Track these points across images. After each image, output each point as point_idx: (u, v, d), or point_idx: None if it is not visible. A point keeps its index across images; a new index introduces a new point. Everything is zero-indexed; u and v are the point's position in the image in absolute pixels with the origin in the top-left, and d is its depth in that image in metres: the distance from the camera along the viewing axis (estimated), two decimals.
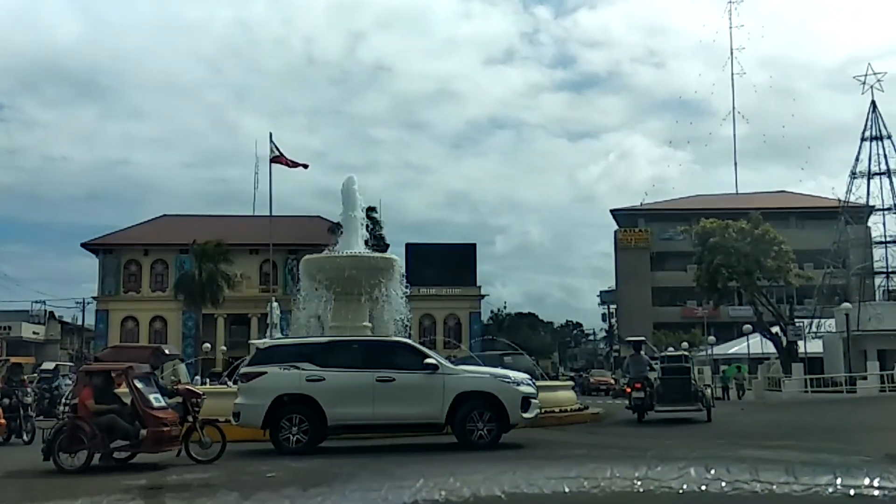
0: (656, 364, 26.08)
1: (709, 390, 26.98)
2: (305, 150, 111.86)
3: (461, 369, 16.51)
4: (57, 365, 34.64)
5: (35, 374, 39.82)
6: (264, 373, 15.24)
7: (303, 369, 15.12)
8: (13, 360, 25.48)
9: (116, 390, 14.22)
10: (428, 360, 15.37)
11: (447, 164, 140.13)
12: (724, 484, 1.75)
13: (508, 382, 15.67)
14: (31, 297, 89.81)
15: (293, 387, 15.06)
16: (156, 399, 13.75)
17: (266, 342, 16.48)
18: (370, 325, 20.94)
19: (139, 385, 13.67)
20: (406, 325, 21.65)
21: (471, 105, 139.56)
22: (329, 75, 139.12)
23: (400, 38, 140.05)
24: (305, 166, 36.22)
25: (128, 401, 13.79)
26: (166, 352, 16.17)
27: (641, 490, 1.79)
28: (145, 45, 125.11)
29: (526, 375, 16.81)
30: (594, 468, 1.88)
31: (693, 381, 24.34)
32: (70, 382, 34.95)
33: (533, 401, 15.66)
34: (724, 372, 42.02)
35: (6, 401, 18.87)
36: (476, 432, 14.96)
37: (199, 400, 14.53)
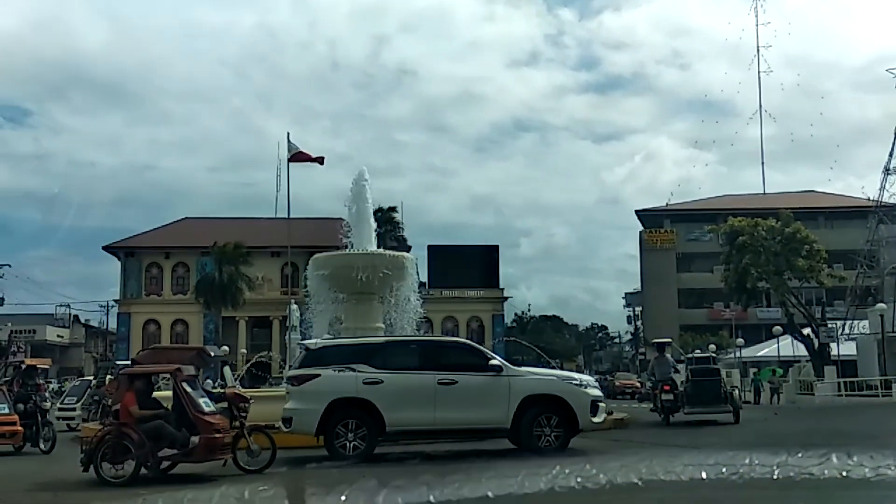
0: (681, 366, 25.74)
1: (736, 392, 26.41)
2: (330, 154, 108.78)
3: (526, 371, 15.78)
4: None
5: (45, 379, 39.58)
6: (318, 375, 14.29)
7: (359, 371, 14.23)
8: (28, 361, 24.30)
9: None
10: (493, 362, 14.59)
11: (471, 167, 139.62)
12: (867, 470, 1.86)
13: (576, 385, 14.96)
14: (56, 301, 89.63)
15: (349, 390, 14.18)
16: (205, 404, 12.81)
17: (317, 342, 15.32)
18: (383, 326, 20.21)
19: (188, 389, 12.73)
20: (420, 326, 20.80)
21: (494, 108, 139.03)
22: (353, 79, 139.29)
23: (423, 41, 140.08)
24: (321, 161, 35.61)
25: (168, 405, 12.91)
26: (211, 353, 14.89)
27: (779, 477, 1.87)
28: (171, 51, 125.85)
29: (592, 378, 16.09)
30: (732, 455, 2.03)
31: (722, 383, 24.15)
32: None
33: (601, 404, 14.95)
34: (758, 374, 40.86)
35: (21, 406, 17.55)
36: (543, 438, 14.20)
37: (246, 405, 13.47)
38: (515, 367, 15.34)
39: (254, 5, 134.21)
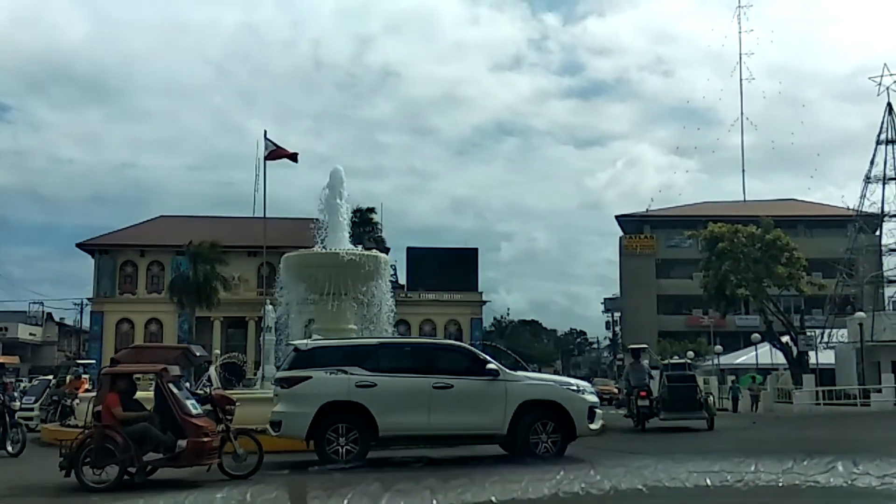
0: (656, 372, 25.82)
1: (710, 398, 26.54)
2: (311, 154, 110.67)
3: (523, 375, 15.36)
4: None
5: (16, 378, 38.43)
6: (309, 377, 13.74)
7: (351, 374, 13.73)
8: None
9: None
10: (489, 366, 14.11)
11: (453, 169, 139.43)
12: (873, 479, 1.85)
13: (574, 390, 14.56)
14: (30, 298, 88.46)
15: (342, 393, 13.65)
16: (192, 406, 12.13)
17: (308, 343, 14.81)
18: (355, 327, 19.65)
19: (174, 390, 12.05)
20: (394, 327, 20.24)
21: (477, 111, 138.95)
22: (336, 79, 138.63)
23: (408, 42, 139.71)
24: (295, 158, 34.95)
25: (149, 407, 12.23)
26: (196, 353, 14.05)
27: (785, 484, 1.89)
28: (152, 47, 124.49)
29: (587, 383, 15.71)
30: (738, 462, 2.01)
31: (698, 390, 24.40)
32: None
33: (598, 411, 14.60)
34: (738, 382, 40.59)
35: None
36: (540, 445, 13.82)
37: (232, 407, 12.82)
38: (512, 372, 14.91)
39: (238, 3, 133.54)
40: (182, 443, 11.59)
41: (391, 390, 13.73)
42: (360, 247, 21.48)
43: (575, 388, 14.73)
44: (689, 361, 31.27)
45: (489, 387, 13.88)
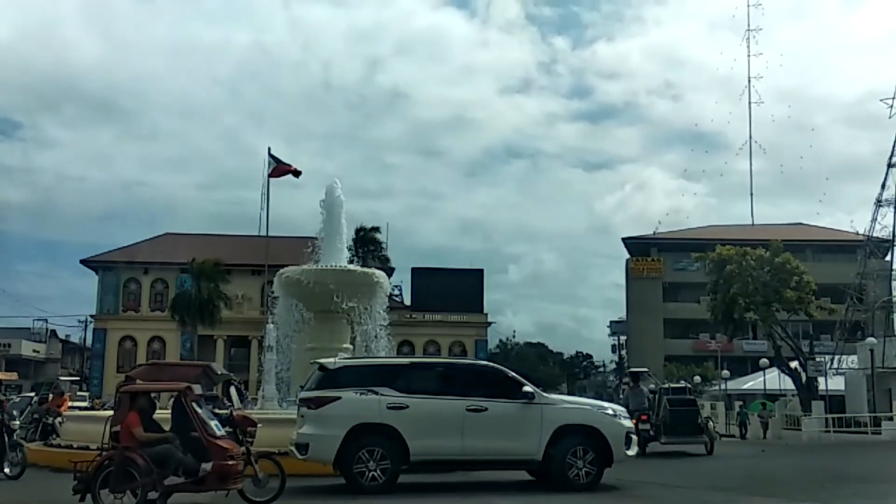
0: (654, 397, 25.76)
1: (710, 423, 26.65)
2: (321, 174, 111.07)
3: (559, 399, 14.84)
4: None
5: (18, 395, 37.85)
6: (338, 398, 13.11)
7: (382, 395, 13.16)
8: None
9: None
10: (525, 388, 13.57)
11: (462, 191, 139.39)
12: None
13: (611, 415, 14.06)
14: (34, 315, 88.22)
15: (372, 415, 13.05)
16: (216, 427, 11.48)
17: (336, 362, 14.14)
18: (351, 346, 19.12)
19: (198, 409, 11.41)
20: (397, 347, 19.68)
21: (486, 133, 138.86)
22: (346, 100, 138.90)
23: (417, 64, 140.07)
24: (298, 174, 34.69)
25: (167, 427, 11.57)
26: (217, 371, 13.24)
27: None
28: (164, 66, 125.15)
29: (621, 407, 15.22)
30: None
31: (699, 413, 24.77)
32: None
33: (633, 436, 14.07)
34: (746, 407, 39.88)
35: None
36: (575, 471, 13.28)
37: (254, 429, 12.19)
38: (548, 395, 14.32)
39: (249, 24, 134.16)
40: (206, 466, 10.96)
41: (423, 412, 13.17)
42: (356, 263, 21.03)
43: (611, 412, 14.26)
44: (688, 385, 31.07)
45: (525, 410, 13.38)
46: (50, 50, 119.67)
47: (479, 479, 14.52)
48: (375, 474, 12.79)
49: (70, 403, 42.82)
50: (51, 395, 29.24)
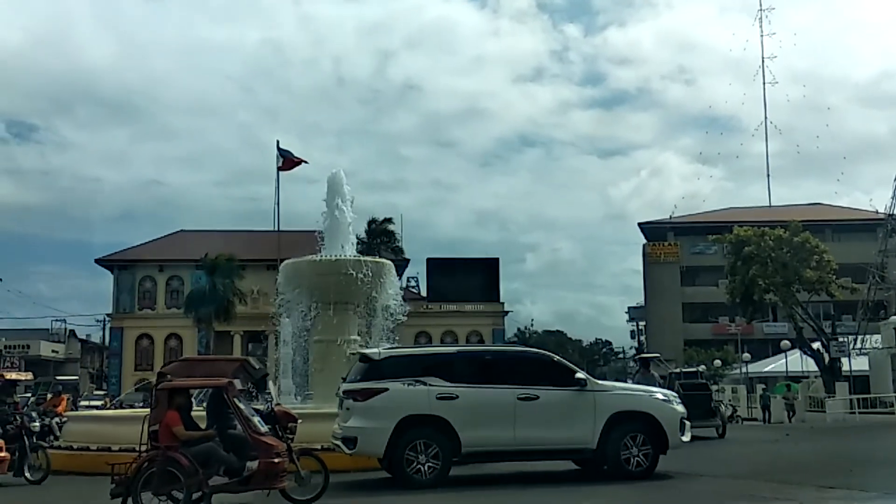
0: (665, 382, 25.77)
1: (721, 406, 27.48)
2: (335, 169, 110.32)
3: (611, 385, 14.47)
4: None
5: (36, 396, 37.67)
6: (385, 389, 12.63)
7: (431, 385, 12.73)
8: (6, 375, 21.86)
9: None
10: (578, 375, 13.19)
11: (476, 182, 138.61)
12: None
13: (664, 400, 13.69)
14: (52, 315, 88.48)
15: (422, 406, 12.62)
16: (260, 423, 10.97)
17: (381, 352, 13.68)
18: (359, 338, 18.67)
19: (241, 406, 10.88)
20: (396, 339, 19.10)
21: (500, 123, 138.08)
22: (358, 94, 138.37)
23: (429, 56, 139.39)
24: (299, 163, 34.34)
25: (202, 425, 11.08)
26: (255, 366, 12.64)
27: None
28: (177, 66, 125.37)
29: (672, 393, 14.80)
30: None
31: (712, 397, 25.59)
32: None
33: (687, 422, 13.66)
34: (769, 390, 39.21)
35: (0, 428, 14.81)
36: (632, 459, 12.88)
37: (294, 425, 11.52)
38: (600, 382, 14.00)
39: (259, 21, 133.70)
40: (252, 464, 10.46)
41: (474, 402, 12.72)
42: (374, 255, 20.58)
43: (664, 397, 13.95)
44: (699, 370, 30.92)
45: (577, 398, 12.97)
46: (63, 53, 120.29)
47: (520, 469, 14.08)
48: (426, 468, 12.37)
49: (84, 403, 42.59)
50: (49, 395, 28.98)
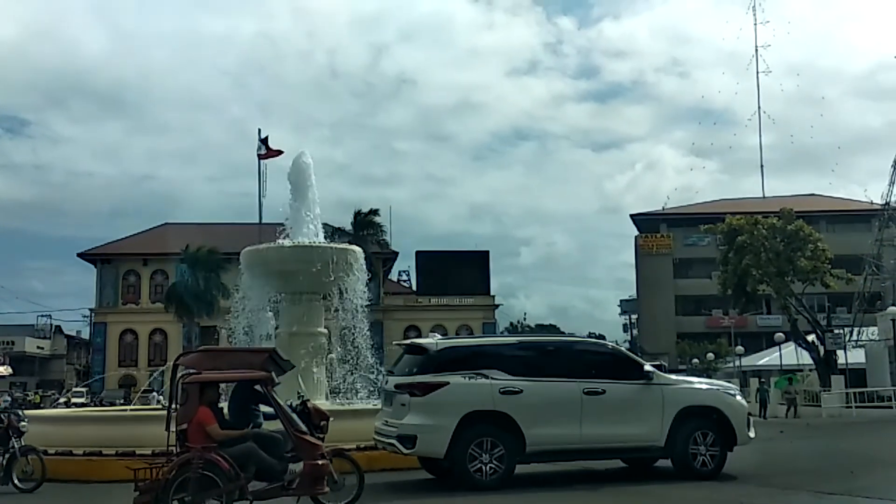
0: None
1: None
2: (329, 163, 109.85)
3: (678, 379, 13.71)
4: None
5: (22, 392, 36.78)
6: (446, 383, 11.78)
7: (493, 378, 11.86)
8: None
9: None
10: (646, 368, 12.45)
11: (470, 175, 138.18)
12: None
13: (732, 395, 13.02)
14: (37, 311, 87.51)
15: (485, 402, 11.77)
16: (298, 420, 9.89)
17: (438, 343, 12.80)
18: (326, 330, 17.62)
19: (281, 402, 9.83)
20: (367, 331, 18.04)
21: (494, 116, 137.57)
22: (353, 88, 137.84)
23: (423, 49, 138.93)
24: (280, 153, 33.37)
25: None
26: (284, 357, 11.35)
27: None
28: (170, 60, 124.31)
29: (734, 386, 14.23)
30: None
31: None
32: None
33: (752, 417, 13.18)
34: (766, 384, 38.23)
35: None
36: (699, 457, 12.21)
37: (326, 423, 10.36)
38: (666, 375, 13.27)
39: (254, 14, 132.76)
40: (295, 467, 9.52)
41: (539, 397, 11.91)
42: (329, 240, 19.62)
43: (731, 391, 13.22)
44: (663, 363, 30.17)
45: (644, 392, 12.26)
46: (55, 46, 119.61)
47: (574, 468, 13.28)
48: (487, 468, 11.53)
49: (63, 400, 41.39)
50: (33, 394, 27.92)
